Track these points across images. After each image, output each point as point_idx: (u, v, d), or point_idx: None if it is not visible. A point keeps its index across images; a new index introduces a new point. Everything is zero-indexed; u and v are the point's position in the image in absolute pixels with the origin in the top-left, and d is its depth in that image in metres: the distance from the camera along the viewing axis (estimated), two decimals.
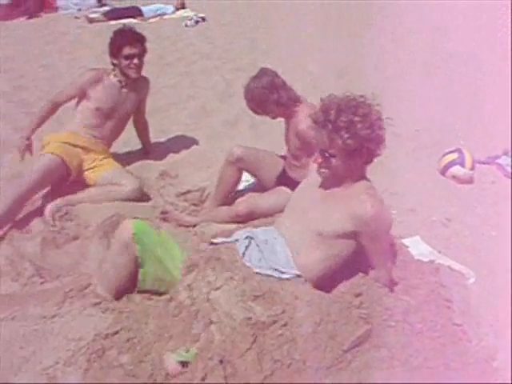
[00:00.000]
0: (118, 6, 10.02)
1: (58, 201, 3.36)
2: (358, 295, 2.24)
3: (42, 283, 2.78)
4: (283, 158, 3.51)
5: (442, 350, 2.19)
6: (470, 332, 2.37)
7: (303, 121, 3.01)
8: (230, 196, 3.54)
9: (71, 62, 6.50)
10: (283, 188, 3.27)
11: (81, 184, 3.59)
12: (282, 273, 2.29)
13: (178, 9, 9.91)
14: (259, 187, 3.63)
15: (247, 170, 3.55)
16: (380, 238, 2.30)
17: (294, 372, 1.99)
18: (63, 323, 2.33)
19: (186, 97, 5.56)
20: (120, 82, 3.67)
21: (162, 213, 3.35)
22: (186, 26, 8.93)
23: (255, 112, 3.32)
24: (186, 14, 9.58)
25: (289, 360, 1.99)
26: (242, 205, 3.32)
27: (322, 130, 2.25)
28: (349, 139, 2.19)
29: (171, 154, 4.24)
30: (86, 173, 3.62)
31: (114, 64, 3.66)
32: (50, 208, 3.30)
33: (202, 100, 5.44)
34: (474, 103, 5.16)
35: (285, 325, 2.05)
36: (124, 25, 3.90)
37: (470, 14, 8.26)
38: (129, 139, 4.24)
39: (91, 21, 9.13)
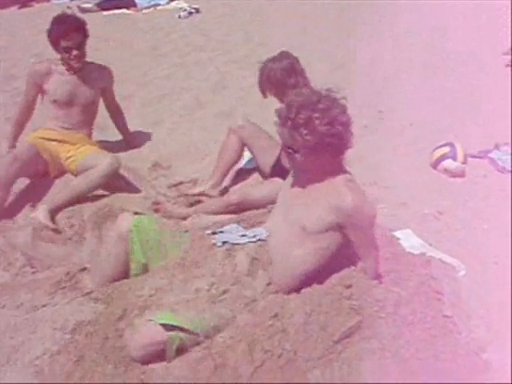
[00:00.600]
0: None
1: (45, 205, 3.25)
2: (348, 286, 2.24)
3: (33, 273, 2.78)
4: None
5: (433, 342, 2.20)
6: (460, 324, 2.39)
7: None
8: (231, 170, 3.59)
9: None
10: (277, 179, 3.27)
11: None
12: (254, 236, 2.37)
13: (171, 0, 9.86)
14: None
15: (246, 144, 3.55)
16: (363, 230, 2.30)
17: (285, 362, 1.99)
18: (53, 312, 2.33)
19: (179, 88, 5.55)
20: (69, 70, 3.62)
21: (154, 204, 3.34)
22: (180, 17, 8.88)
23: (264, 93, 3.32)
24: (179, 5, 9.51)
25: (279, 350, 2.00)
26: (234, 194, 3.33)
27: (283, 126, 2.26)
28: (307, 135, 2.20)
29: (164, 145, 4.23)
30: (65, 164, 3.59)
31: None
32: (43, 215, 3.17)
33: (195, 91, 5.42)
34: (468, 98, 5.17)
35: (275, 315, 2.06)
36: (63, 11, 3.78)
37: (470, 14, 8.24)
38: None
39: (84, 11, 9.05)
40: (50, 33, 3.55)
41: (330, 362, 2.05)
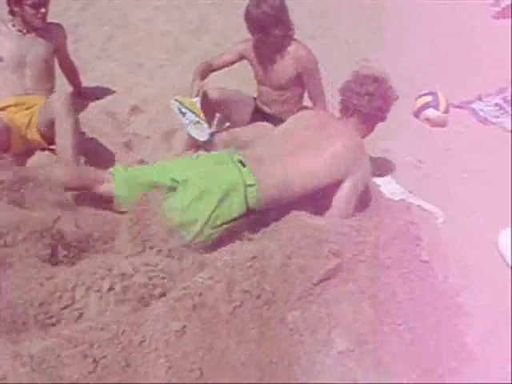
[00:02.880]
0: None
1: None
2: (328, 231, 2.25)
3: None
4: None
5: (410, 286, 2.23)
6: (437, 269, 2.43)
7: (305, 48, 3.23)
8: None
9: None
10: (263, 123, 3.27)
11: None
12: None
13: None
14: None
15: (219, 111, 3.49)
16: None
17: (264, 303, 2.00)
18: None
19: (159, 32, 5.40)
20: (20, 31, 3.38)
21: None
22: None
23: (253, 30, 3.20)
24: None
25: (258, 291, 2.00)
26: (224, 133, 3.34)
27: None
28: None
29: (143, 89, 4.15)
30: (26, 132, 3.25)
31: (12, 12, 3.34)
32: None
33: (176, 35, 5.29)
34: (453, 48, 5.11)
35: (254, 257, 2.06)
36: None
37: None
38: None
39: None
40: None
41: (309, 303, 2.07)
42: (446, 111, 3.85)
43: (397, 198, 2.81)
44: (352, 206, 2.55)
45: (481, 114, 3.99)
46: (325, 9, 6.17)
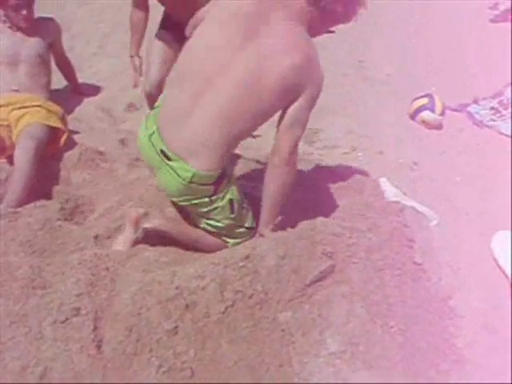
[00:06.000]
0: None
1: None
2: (321, 232, 2.24)
3: None
4: None
5: (402, 288, 2.22)
6: (430, 271, 2.42)
7: None
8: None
9: None
10: None
11: None
12: None
13: None
14: None
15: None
16: None
17: (256, 303, 2.00)
18: None
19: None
20: (10, 28, 3.39)
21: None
22: None
23: None
24: None
25: (251, 291, 1.99)
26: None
27: None
28: None
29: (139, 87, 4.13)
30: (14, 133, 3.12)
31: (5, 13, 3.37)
32: None
33: None
34: (449, 50, 5.12)
35: (247, 257, 2.05)
36: None
37: None
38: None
39: None
40: None
41: (301, 304, 2.06)
42: (442, 114, 3.87)
43: (391, 200, 2.81)
44: (300, 132, 2.19)
45: (477, 117, 4.00)
46: None
